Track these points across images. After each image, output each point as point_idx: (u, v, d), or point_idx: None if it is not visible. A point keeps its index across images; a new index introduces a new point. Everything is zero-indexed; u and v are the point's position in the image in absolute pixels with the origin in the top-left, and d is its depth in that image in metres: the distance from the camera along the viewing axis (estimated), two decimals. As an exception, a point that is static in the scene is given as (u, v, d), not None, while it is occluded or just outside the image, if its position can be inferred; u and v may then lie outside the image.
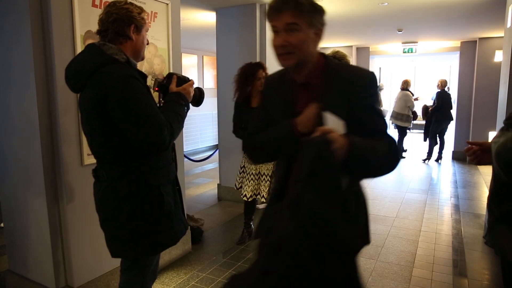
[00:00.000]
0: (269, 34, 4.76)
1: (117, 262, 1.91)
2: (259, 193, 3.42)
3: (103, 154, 1.65)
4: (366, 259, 3.25)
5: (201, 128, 9.41)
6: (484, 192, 5.51)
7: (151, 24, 2.81)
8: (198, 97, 1.92)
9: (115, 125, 1.55)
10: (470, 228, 4.02)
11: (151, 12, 2.80)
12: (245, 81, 3.30)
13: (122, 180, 1.64)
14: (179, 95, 1.76)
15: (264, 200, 3.45)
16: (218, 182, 5.21)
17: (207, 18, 5.39)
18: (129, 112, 1.53)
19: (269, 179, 3.40)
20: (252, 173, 3.42)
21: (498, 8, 4.92)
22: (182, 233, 1.84)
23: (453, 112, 7.92)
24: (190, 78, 1.90)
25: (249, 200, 3.45)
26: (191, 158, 6.68)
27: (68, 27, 2.22)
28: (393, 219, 4.27)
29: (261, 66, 3.36)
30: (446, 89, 7.63)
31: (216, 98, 5.08)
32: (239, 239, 3.64)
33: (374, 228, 4.00)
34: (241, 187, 3.50)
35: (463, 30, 6.74)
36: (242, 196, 3.47)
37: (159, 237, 1.72)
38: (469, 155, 1.49)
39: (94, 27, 2.34)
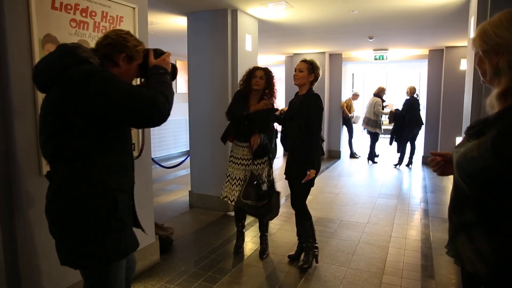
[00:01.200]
0: (240, 39, 4.72)
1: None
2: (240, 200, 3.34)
3: (60, 155, 1.55)
4: (337, 267, 3.24)
5: (174, 134, 9.25)
6: (452, 197, 5.65)
7: (116, 28, 2.72)
8: (172, 72, 1.86)
9: (80, 121, 1.48)
10: (439, 233, 4.10)
11: (117, 16, 2.71)
12: (247, 79, 3.35)
13: (74, 180, 1.54)
14: (157, 67, 1.72)
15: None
16: (190, 189, 5.11)
17: (179, 22, 5.31)
18: (116, 94, 1.48)
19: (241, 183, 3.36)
20: (236, 178, 3.36)
21: (463, 18, 5.08)
22: (133, 248, 1.74)
23: (423, 117, 8.15)
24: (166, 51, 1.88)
25: (231, 203, 3.37)
26: (163, 164, 6.54)
27: (25, 30, 2.10)
28: (365, 225, 4.30)
29: (259, 68, 3.38)
30: (415, 95, 7.84)
31: (187, 104, 5.00)
32: (235, 249, 3.53)
33: (346, 234, 4.01)
34: (226, 196, 3.40)
35: (431, 39, 6.95)
36: (227, 200, 3.39)
37: (108, 247, 1.60)
38: (433, 165, 1.49)
39: (54, 30, 2.27)
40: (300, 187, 3.14)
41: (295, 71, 3.16)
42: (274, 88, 3.39)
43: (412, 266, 3.28)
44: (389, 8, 4.63)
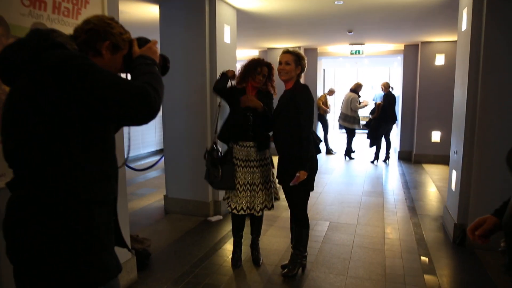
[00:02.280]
0: (219, 30, 4.34)
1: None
2: (253, 207, 3.00)
3: (26, 159, 1.23)
4: (335, 276, 2.98)
5: (143, 132, 8.70)
6: (435, 192, 5.58)
7: (81, 12, 2.29)
8: (162, 64, 1.56)
9: (53, 117, 1.19)
10: (431, 232, 3.95)
11: (81, -5, 2.28)
12: (246, 74, 3.00)
13: (42, 190, 1.21)
14: (143, 57, 1.43)
15: (259, 213, 3.03)
16: (165, 193, 4.70)
17: (150, 11, 4.86)
18: (98, 83, 1.19)
19: (262, 187, 3.02)
20: (240, 184, 2.99)
21: (445, 13, 4.98)
22: (114, 272, 1.40)
23: (397, 113, 8.12)
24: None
25: (239, 213, 3.00)
26: (132, 166, 6.05)
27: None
28: (355, 227, 4.08)
29: (263, 63, 3.02)
30: (390, 90, 7.77)
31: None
32: (233, 262, 3.16)
33: (338, 237, 3.77)
34: (228, 197, 3.05)
35: (408, 34, 6.87)
36: (228, 208, 3.03)
37: (83, 273, 1.26)
38: (481, 242, 1.32)
39: (1, 9, 1.82)
40: (296, 192, 2.85)
41: (280, 64, 2.84)
42: (273, 82, 3.07)
43: (413, 271, 3.06)
44: (376, 0, 4.43)
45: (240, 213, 2.98)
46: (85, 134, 1.26)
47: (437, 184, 6.06)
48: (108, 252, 1.39)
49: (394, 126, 8.16)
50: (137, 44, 1.49)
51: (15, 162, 1.27)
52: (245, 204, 2.98)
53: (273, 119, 2.95)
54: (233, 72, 3.21)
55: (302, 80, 2.96)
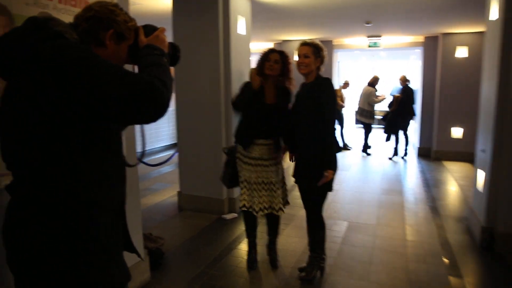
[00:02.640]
0: (233, 22, 4.17)
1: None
2: (272, 206, 2.86)
3: (26, 160, 1.14)
4: (356, 281, 2.83)
5: (156, 126, 8.62)
6: (457, 191, 5.36)
7: (89, 2, 2.17)
8: (172, 54, 1.41)
9: (53, 114, 1.09)
10: (456, 234, 3.75)
11: (91, -17, 2.15)
12: (261, 64, 2.85)
13: (39, 190, 1.13)
14: (150, 47, 1.29)
15: (279, 212, 2.89)
16: (178, 189, 4.60)
17: (163, 2, 4.73)
18: (100, 77, 1.07)
19: (279, 186, 2.89)
20: (256, 182, 2.84)
21: (470, 2, 4.72)
22: (122, 282, 1.31)
23: (416, 107, 7.85)
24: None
25: (257, 213, 2.86)
26: (145, 160, 5.98)
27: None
28: (375, 227, 3.91)
29: (275, 50, 2.88)
30: (407, 83, 7.50)
31: (174, 93, 4.45)
32: (249, 264, 3.03)
33: (357, 239, 3.61)
34: (250, 207, 2.86)
35: (428, 25, 6.59)
36: (244, 208, 2.87)
37: (89, 282, 1.18)
38: None
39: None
40: (316, 192, 2.70)
41: (299, 57, 2.68)
42: (291, 74, 2.89)
43: (439, 277, 2.90)
44: (398, -12, 4.20)
45: (259, 214, 2.84)
46: (86, 134, 1.15)
47: (459, 182, 5.82)
48: (115, 260, 1.30)
49: (412, 121, 7.90)
50: (144, 33, 1.35)
51: (14, 163, 1.18)
52: (263, 204, 2.84)
53: (291, 114, 2.80)
54: (259, 81, 2.84)
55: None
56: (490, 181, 3.35)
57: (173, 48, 1.43)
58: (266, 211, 2.86)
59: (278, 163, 2.92)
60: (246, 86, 2.90)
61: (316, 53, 2.67)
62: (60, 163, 1.12)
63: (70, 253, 1.15)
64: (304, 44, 2.69)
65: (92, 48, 1.25)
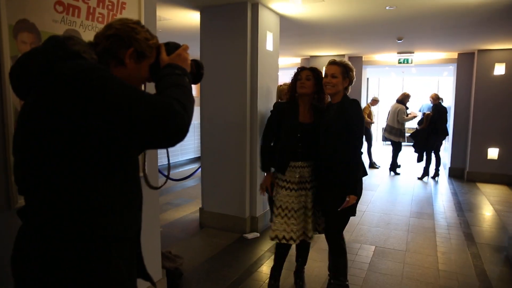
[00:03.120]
0: (261, 38, 4.12)
1: None
2: (304, 232, 2.71)
3: (37, 185, 1.08)
4: (383, 314, 2.65)
5: (182, 139, 8.67)
6: (494, 217, 5.03)
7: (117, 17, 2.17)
8: (195, 72, 1.37)
9: (67, 136, 1.03)
10: (493, 265, 3.49)
11: (117, 1, 2.15)
12: (292, 84, 2.76)
13: (50, 222, 1.06)
14: (172, 66, 1.24)
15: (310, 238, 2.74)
16: (200, 206, 4.54)
17: (191, 18, 4.76)
18: (117, 99, 1.01)
19: (313, 210, 2.74)
20: (294, 209, 2.65)
21: (509, 17, 4.50)
22: None
23: (449, 126, 7.53)
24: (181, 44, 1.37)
25: (289, 242, 2.66)
26: (169, 175, 5.97)
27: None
28: (404, 254, 3.69)
29: (306, 68, 2.75)
30: (440, 101, 7.22)
31: (199, 108, 4.43)
32: None
33: (385, 265, 3.41)
34: (283, 237, 2.64)
35: (463, 41, 6.34)
36: (276, 240, 2.67)
37: None
38: None
39: (32, 15, 1.69)
40: (337, 217, 2.57)
41: (326, 77, 2.57)
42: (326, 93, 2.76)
43: (475, 314, 2.67)
44: (431, 4, 4.05)
45: (290, 242, 2.65)
46: (103, 158, 1.08)
47: (496, 207, 5.48)
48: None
49: (444, 141, 7.58)
50: (166, 50, 1.30)
51: (27, 187, 1.13)
52: (300, 231, 2.66)
53: (319, 135, 2.68)
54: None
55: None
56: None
57: (197, 65, 1.38)
58: (301, 238, 2.70)
59: (314, 186, 2.74)
60: (272, 115, 2.86)
61: (344, 74, 2.56)
62: (76, 189, 1.06)
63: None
64: (333, 63, 2.59)
65: (111, 67, 1.21)
